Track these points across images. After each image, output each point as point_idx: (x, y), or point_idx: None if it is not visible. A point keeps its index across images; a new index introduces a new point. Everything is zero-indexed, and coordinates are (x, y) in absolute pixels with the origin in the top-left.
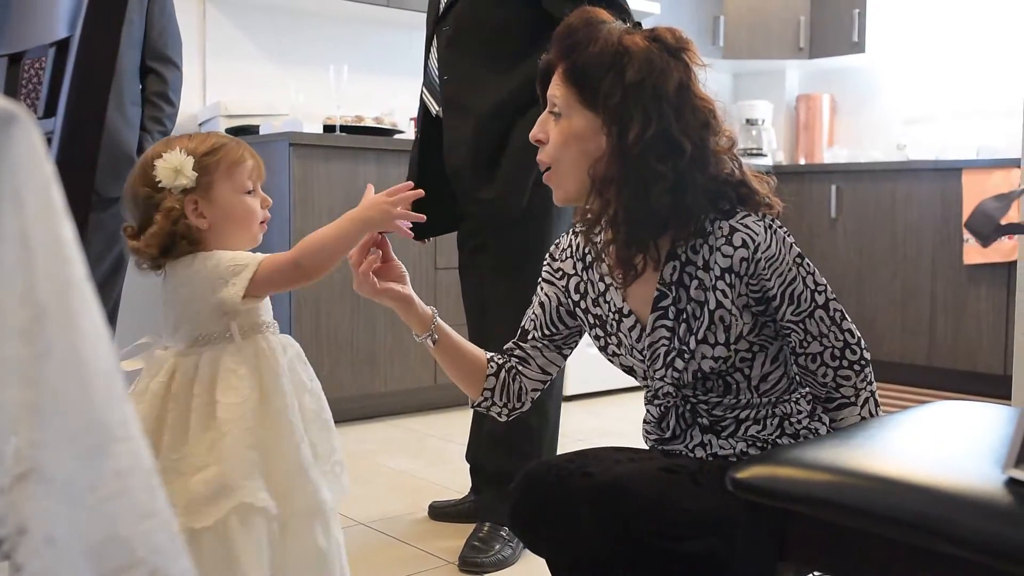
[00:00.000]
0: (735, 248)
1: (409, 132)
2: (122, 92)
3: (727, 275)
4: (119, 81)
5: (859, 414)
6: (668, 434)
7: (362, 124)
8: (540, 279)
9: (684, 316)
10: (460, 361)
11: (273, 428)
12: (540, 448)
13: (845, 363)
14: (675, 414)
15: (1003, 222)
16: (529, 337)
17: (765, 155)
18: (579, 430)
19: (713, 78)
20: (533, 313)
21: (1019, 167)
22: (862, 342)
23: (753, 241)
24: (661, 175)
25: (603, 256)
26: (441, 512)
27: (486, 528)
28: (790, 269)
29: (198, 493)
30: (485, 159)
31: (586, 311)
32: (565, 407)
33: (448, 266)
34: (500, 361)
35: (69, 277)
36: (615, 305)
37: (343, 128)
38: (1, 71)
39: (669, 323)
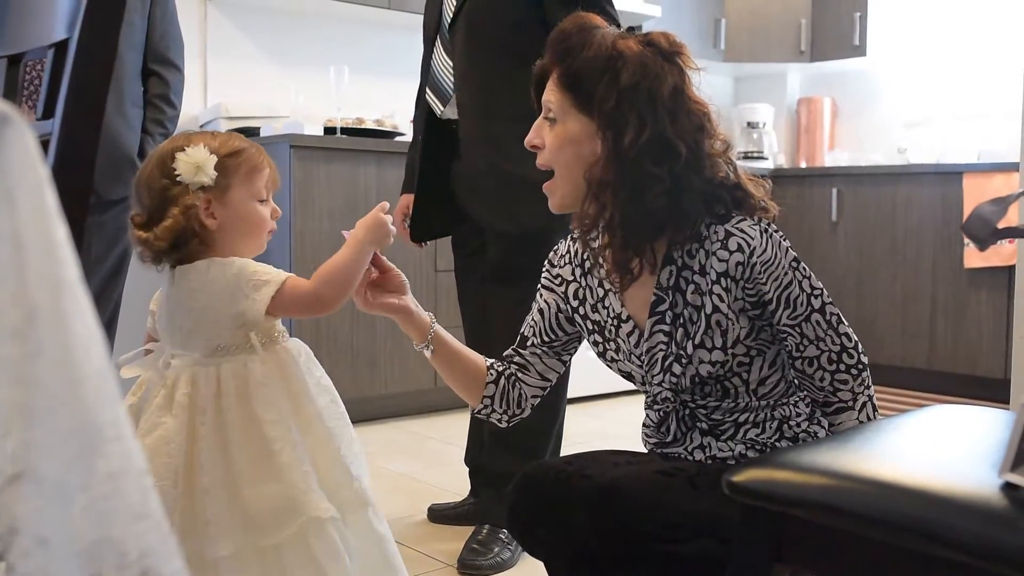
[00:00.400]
0: (731, 252)
1: (410, 134)
2: (123, 94)
3: (723, 279)
4: (120, 83)
5: (857, 418)
6: (669, 438)
7: (363, 126)
8: (539, 285)
9: (681, 321)
10: (459, 369)
11: (310, 435)
12: (543, 450)
13: (842, 367)
14: (675, 418)
15: (1000, 226)
16: (528, 344)
17: (766, 158)
18: (579, 433)
19: (714, 81)
20: (532, 320)
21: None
22: (859, 346)
23: (749, 245)
24: (657, 178)
25: (600, 260)
26: (440, 514)
27: (485, 530)
28: (786, 273)
29: (260, 511)
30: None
31: (585, 317)
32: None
33: (448, 268)
34: (500, 368)
35: (61, 278)
36: (614, 311)
37: (344, 130)
38: (0, 72)
39: (666, 328)
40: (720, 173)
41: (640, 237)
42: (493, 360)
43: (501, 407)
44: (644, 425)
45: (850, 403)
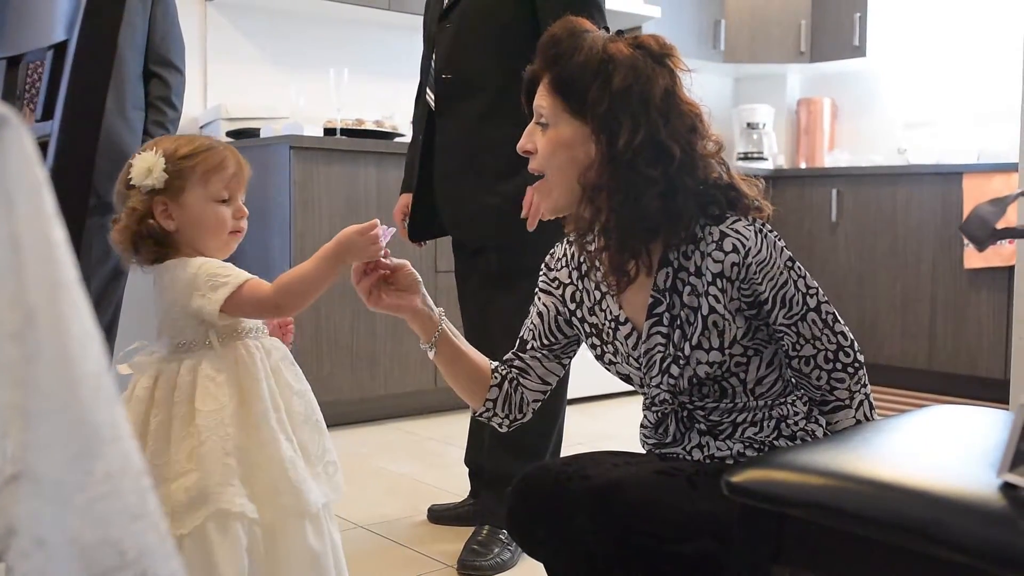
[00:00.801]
0: (726, 253)
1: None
2: (125, 96)
3: (719, 280)
4: (122, 85)
5: (854, 417)
6: (668, 439)
7: (363, 127)
8: (537, 288)
9: (678, 322)
10: (462, 371)
11: (253, 434)
12: (543, 451)
13: (839, 366)
14: (673, 419)
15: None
16: (528, 347)
17: (766, 159)
18: (579, 434)
19: (714, 82)
20: (531, 323)
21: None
22: (855, 345)
23: (743, 246)
24: (652, 180)
25: (597, 263)
26: (440, 515)
27: (485, 531)
28: (781, 273)
29: (178, 500)
30: (478, 164)
31: (582, 320)
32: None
33: (448, 269)
34: (503, 372)
35: (59, 279)
36: (611, 313)
37: (344, 131)
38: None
39: (664, 330)
40: (713, 174)
41: (635, 239)
42: (498, 364)
43: (503, 411)
44: (642, 426)
45: (847, 401)
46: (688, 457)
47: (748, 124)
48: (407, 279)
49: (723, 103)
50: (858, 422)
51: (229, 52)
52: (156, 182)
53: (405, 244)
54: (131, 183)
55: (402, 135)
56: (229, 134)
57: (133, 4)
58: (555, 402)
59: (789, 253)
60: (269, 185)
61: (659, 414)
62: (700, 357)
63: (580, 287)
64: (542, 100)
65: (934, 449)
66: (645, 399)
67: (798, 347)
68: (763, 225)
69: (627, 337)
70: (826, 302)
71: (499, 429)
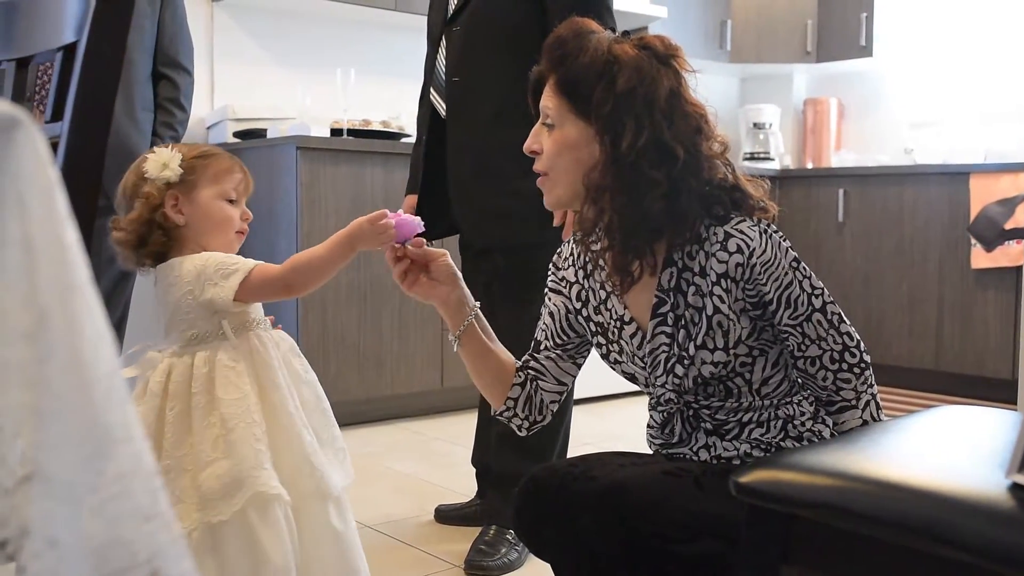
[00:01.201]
0: (730, 254)
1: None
2: (134, 98)
3: (723, 280)
4: (131, 87)
5: (860, 417)
6: (674, 439)
7: (369, 128)
8: (547, 289)
9: (683, 322)
10: (485, 368)
11: (274, 421)
12: (550, 451)
13: (844, 366)
14: (680, 419)
15: (1007, 227)
16: (542, 348)
17: (772, 159)
18: (586, 434)
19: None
20: (543, 323)
21: None
22: (861, 345)
23: (748, 246)
24: (655, 182)
25: (601, 263)
26: (447, 515)
27: (492, 531)
28: (786, 273)
29: (211, 489)
30: (491, 166)
31: (588, 319)
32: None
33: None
34: (525, 372)
35: (71, 281)
36: (616, 313)
37: (350, 132)
38: (9, 75)
39: (668, 329)
40: (718, 174)
41: (639, 240)
42: (520, 363)
43: (524, 411)
44: (648, 426)
45: (853, 402)
46: (695, 457)
47: (754, 124)
48: (442, 270)
49: (729, 103)
50: (865, 423)
51: (236, 53)
52: (172, 174)
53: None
54: (146, 175)
55: (408, 135)
56: (236, 135)
57: (142, 6)
58: (562, 402)
59: (794, 254)
60: (276, 185)
61: (665, 414)
62: (704, 357)
63: (586, 286)
64: (548, 101)
65: (942, 450)
66: (651, 399)
67: (803, 347)
68: (768, 226)
69: (632, 336)
70: (831, 302)
71: (518, 432)
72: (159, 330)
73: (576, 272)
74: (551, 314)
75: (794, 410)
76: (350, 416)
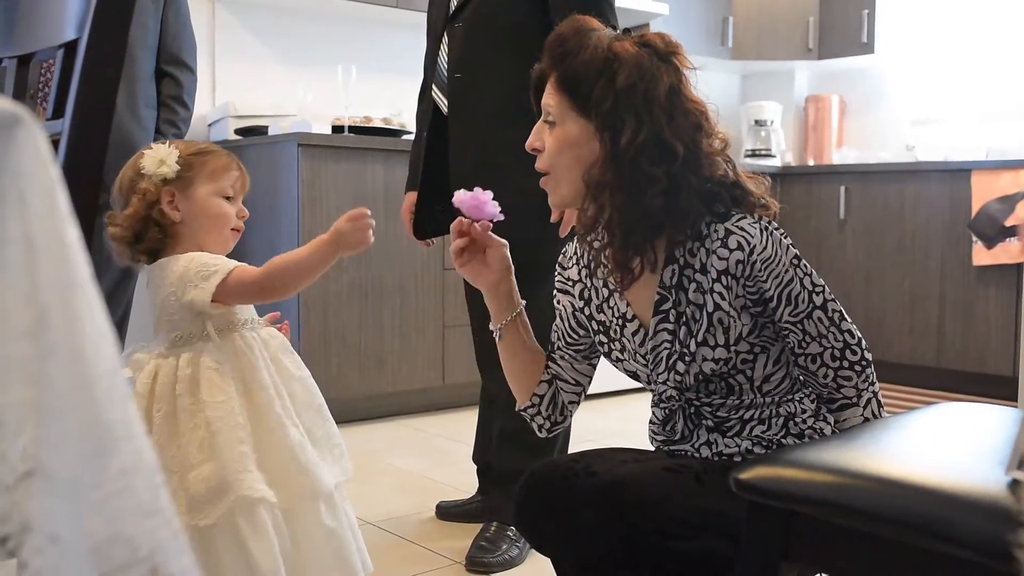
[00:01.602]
0: (731, 251)
1: None
2: (136, 96)
3: (724, 277)
4: (134, 85)
5: (862, 415)
6: (676, 436)
7: (370, 125)
8: (555, 290)
9: (684, 319)
10: (518, 365)
11: (260, 422)
12: (551, 448)
13: (845, 364)
14: (681, 416)
15: (1008, 224)
16: (556, 349)
17: (774, 156)
18: (588, 431)
19: (721, 79)
20: (556, 326)
21: None
22: (863, 342)
23: (748, 243)
24: (654, 178)
25: (602, 260)
26: (448, 512)
27: (493, 528)
28: (787, 270)
29: (198, 492)
30: (493, 163)
31: (590, 317)
32: None
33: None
34: (554, 373)
35: (72, 278)
36: (618, 310)
37: (351, 129)
38: (11, 73)
39: (670, 326)
40: (719, 171)
41: (639, 237)
42: (550, 361)
43: (547, 411)
44: (650, 423)
45: (854, 399)
46: (696, 454)
47: (756, 121)
48: (497, 259)
49: (731, 100)
50: (866, 420)
51: (237, 50)
52: (169, 171)
53: (413, 243)
54: (143, 171)
55: (409, 132)
56: (237, 132)
57: (145, 4)
58: None
59: (795, 251)
60: (277, 182)
61: (667, 411)
62: (706, 354)
63: (589, 284)
64: (549, 98)
65: (942, 446)
66: (653, 396)
67: (804, 345)
68: (769, 223)
69: (634, 334)
70: (832, 300)
71: (538, 432)
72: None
73: (580, 271)
74: (561, 315)
75: (795, 407)
76: (351, 413)
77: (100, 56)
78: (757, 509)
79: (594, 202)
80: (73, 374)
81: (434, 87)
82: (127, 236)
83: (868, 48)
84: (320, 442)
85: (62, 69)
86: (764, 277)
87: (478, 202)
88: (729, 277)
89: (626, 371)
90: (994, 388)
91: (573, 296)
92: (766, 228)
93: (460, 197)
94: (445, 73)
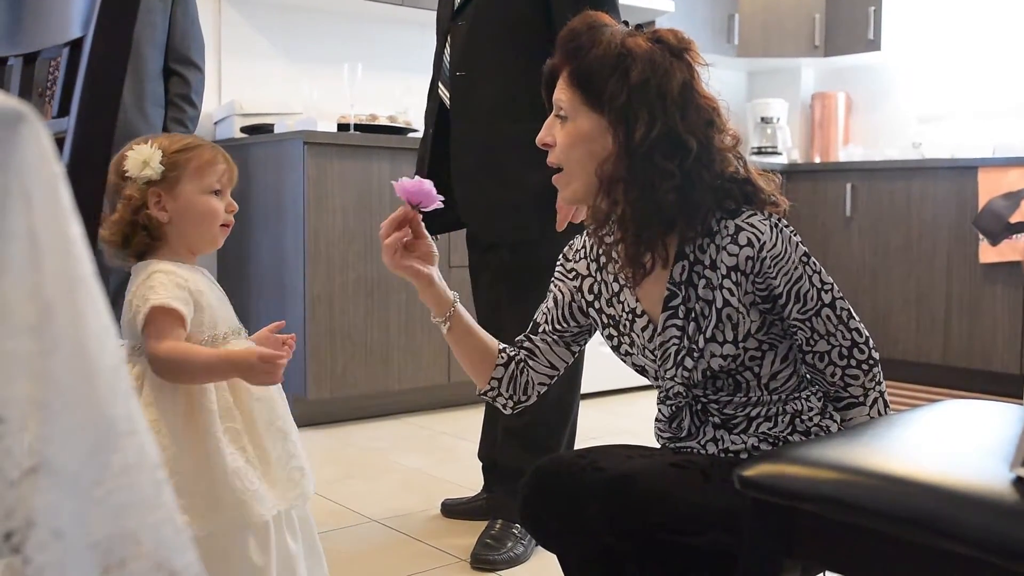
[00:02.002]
0: (740, 247)
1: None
2: (145, 94)
3: (733, 274)
4: (142, 83)
5: (868, 414)
6: (683, 433)
7: (376, 123)
8: (553, 277)
9: (693, 315)
10: (472, 349)
11: (198, 444)
12: (556, 445)
13: (853, 362)
14: (688, 413)
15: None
16: (540, 330)
17: (780, 153)
18: (594, 428)
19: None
20: (546, 307)
21: None
22: (870, 341)
23: (759, 240)
24: (668, 173)
25: (614, 255)
26: (453, 509)
27: (498, 525)
28: (796, 268)
29: None
30: (495, 160)
31: (600, 311)
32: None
33: (461, 264)
34: (511, 353)
35: (76, 274)
36: (628, 305)
37: (357, 127)
38: (17, 71)
39: (679, 322)
40: (730, 168)
41: (651, 232)
42: (505, 345)
43: (508, 391)
44: (657, 420)
45: (861, 398)
46: (703, 451)
47: (762, 118)
48: (424, 249)
49: (737, 97)
50: (872, 419)
51: (243, 48)
52: (154, 172)
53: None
54: (126, 174)
55: (415, 130)
56: (243, 130)
57: (153, 3)
58: (569, 396)
59: (804, 248)
60: (283, 180)
61: (673, 407)
62: (714, 350)
63: (598, 279)
64: (561, 93)
65: (946, 444)
66: (660, 392)
67: (812, 342)
68: (779, 220)
69: (643, 329)
70: (841, 298)
71: (504, 411)
72: None
73: (588, 265)
74: (555, 299)
75: (802, 405)
76: (357, 411)
77: (105, 54)
78: (759, 506)
79: (607, 197)
80: (76, 370)
81: (439, 84)
82: (116, 240)
83: (874, 45)
84: (275, 463)
85: (67, 67)
86: (774, 274)
87: (423, 188)
88: (739, 273)
89: (634, 366)
90: (1001, 385)
91: (574, 288)
92: (776, 225)
93: (405, 184)
94: (448, 71)
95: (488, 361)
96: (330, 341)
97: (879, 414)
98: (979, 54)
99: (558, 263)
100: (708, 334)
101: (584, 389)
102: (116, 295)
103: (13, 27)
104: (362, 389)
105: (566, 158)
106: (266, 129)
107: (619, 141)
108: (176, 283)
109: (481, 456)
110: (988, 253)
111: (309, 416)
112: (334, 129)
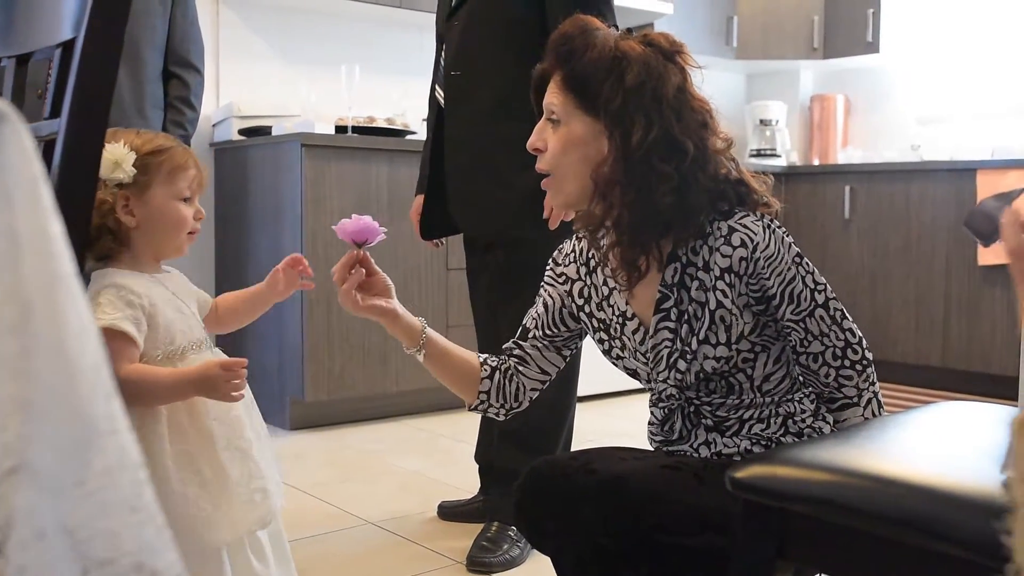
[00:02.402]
0: (734, 248)
1: (421, 133)
2: (144, 96)
3: (727, 275)
4: (141, 85)
5: (862, 415)
6: (675, 436)
7: (374, 125)
8: (543, 282)
9: (686, 317)
10: (451, 370)
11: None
12: (553, 448)
13: (847, 363)
14: (680, 416)
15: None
16: (530, 336)
17: (779, 156)
18: (590, 431)
19: (726, 79)
20: (536, 312)
21: None
22: (864, 342)
23: (752, 241)
24: (665, 176)
25: (608, 259)
26: (450, 512)
27: (494, 528)
28: (789, 268)
29: None
30: (488, 160)
31: (590, 315)
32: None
33: (459, 267)
34: (494, 363)
35: (56, 273)
36: (619, 309)
37: (355, 129)
38: (9, 72)
39: (671, 324)
40: (723, 170)
41: (648, 235)
42: (486, 356)
43: (498, 401)
44: (649, 423)
45: (855, 399)
46: (695, 454)
47: (761, 121)
48: (381, 285)
49: (736, 100)
50: (866, 420)
51: (241, 50)
52: (125, 176)
53: (417, 243)
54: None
55: (413, 132)
56: (241, 132)
57: (153, 5)
58: (565, 398)
59: (797, 249)
60: (280, 183)
61: (666, 410)
62: (707, 352)
63: (588, 283)
64: (553, 97)
65: (939, 445)
66: (652, 395)
67: (806, 343)
68: (771, 221)
69: (634, 332)
70: (834, 299)
71: (497, 419)
72: None
73: (578, 269)
74: (545, 304)
75: (795, 407)
76: (355, 413)
77: (96, 55)
78: (751, 508)
79: (603, 201)
80: (57, 369)
81: (436, 85)
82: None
83: (873, 47)
84: (236, 485)
85: (59, 68)
86: (767, 275)
87: (364, 224)
88: (732, 275)
89: (626, 369)
90: (999, 388)
91: (564, 293)
92: (768, 226)
93: (345, 226)
94: (443, 70)
95: (471, 377)
96: (328, 343)
97: (873, 415)
98: (978, 56)
99: (548, 267)
100: (701, 336)
101: (581, 392)
102: None
103: (6, 29)
104: (360, 391)
105: (558, 163)
106: (264, 131)
107: (615, 145)
108: (127, 300)
109: (478, 458)
110: (987, 255)
111: (306, 418)
112: (332, 131)
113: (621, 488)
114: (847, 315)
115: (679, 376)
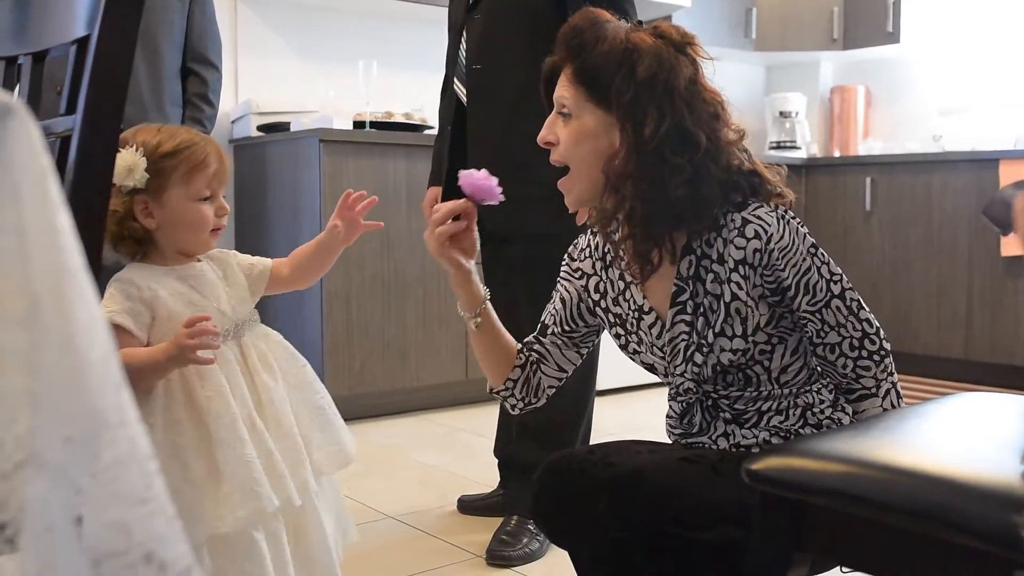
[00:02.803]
0: (748, 240)
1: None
2: (163, 92)
3: (741, 267)
4: (160, 82)
5: (881, 405)
6: (694, 429)
7: (392, 120)
8: (559, 278)
9: (702, 310)
10: (495, 348)
11: (205, 440)
12: (571, 442)
13: (864, 353)
14: (699, 409)
15: None
16: (548, 332)
17: (799, 147)
18: (609, 425)
19: (745, 70)
20: (554, 308)
21: None
22: (881, 332)
23: (766, 232)
24: (678, 168)
25: (621, 252)
26: (469, 506)
27: (514, 522)
28: (804, 259)
29: None
30: (509, 154)
31: (606, 310)
32: (595, 402)
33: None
34: (527, 354)
35: (64, 266)
36: (635, 303)
37: (373, 124)
38: (26, 70)
39: (688, 318)
40: (735, 161)
41: (660, 227)
42: (522, 345)
43: (521, 392)
44: (668, 417)
45: (873, 390)
46: (714, 446)
47: (781, 113)
48: (471, 243)
49: (755, 92)
50: (885, 411)
51: (259, 47)
52: (138, 183)
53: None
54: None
55: (431, 127)
56: (260, 128)
57: (171, 2)
58: (584, 392)
59: (812, 239)
60: (299, 178)
61: (684, 404)
62: (723, 344)
63: (604, 277)
64: (564, 91)
65: (957, 436)
66: (670, 389)
67: (823, 334)
68: (785, 211)
69: (651, 326)
70: (850, 288)
71: (511, 411)
72: None
73: (594, 264)
74: (563, 300)
75: (813, 398)
76: (374, 408)
77: (110, 52)
78: (768, 499)
79: (615, 194)
80: (66, 362)
81: (455, 80)
82: (108, 242)
83: (894, 37)
84: (228, 480)
85: (74, 65)
86: (782, 266)
87: (489, 185)
88: (747, 266)
89: (643, 364)
90: (1023, 380)
91: (580, 287)
92: (783, 217)
93: (473, 177)
94: (464, 65)
95: (507, 361)
96: (347, 338)
97: (892, 405)
98: (999, 46)
99: (563, 263)
100: (717, 329)
101: (600, 386)
102: None
103: (21, 26)
104: (379, 386)
105: (570, 156)
106: (282, 127)
107: (628, 137)
108: (126, 293)
109: (497, 453)
110: (1010, 246)
111: None
112: (350, 127)
113: (637, 482)
114: (864, 305)
115: (696, 369)
